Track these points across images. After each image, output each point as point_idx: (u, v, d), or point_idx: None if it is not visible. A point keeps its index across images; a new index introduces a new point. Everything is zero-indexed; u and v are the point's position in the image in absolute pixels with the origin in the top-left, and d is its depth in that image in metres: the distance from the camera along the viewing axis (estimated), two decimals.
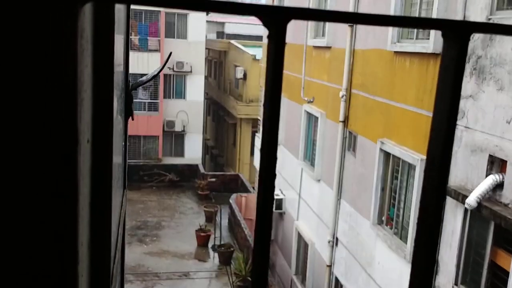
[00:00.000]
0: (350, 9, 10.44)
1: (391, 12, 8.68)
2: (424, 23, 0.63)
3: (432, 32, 7.60)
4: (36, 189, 0.52)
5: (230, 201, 20.19)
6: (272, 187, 0.59)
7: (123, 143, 1.68)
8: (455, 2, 7.13)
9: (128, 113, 1.70)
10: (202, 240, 18.48)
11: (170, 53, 3.15)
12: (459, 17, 7.02)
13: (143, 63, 25.51)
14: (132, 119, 1.81)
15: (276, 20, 0.56)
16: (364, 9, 10.13)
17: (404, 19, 0.60)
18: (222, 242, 18.05)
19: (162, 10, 26.16)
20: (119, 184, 1.49)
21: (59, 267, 0.57)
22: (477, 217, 6.55)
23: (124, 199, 1.64)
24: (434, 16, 7.55)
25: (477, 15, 6.70)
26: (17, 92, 0.48)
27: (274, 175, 0.60)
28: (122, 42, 1.78)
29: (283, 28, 0.57)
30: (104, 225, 0.86)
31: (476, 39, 6.72)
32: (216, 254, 17.63)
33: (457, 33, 0.60)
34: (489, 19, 6.49)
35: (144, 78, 2.46)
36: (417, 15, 8.33)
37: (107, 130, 0.82)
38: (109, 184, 0.86)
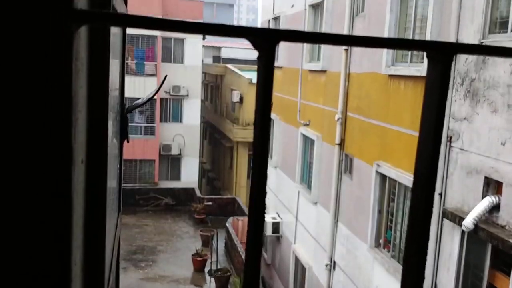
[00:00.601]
0: (345, 33, 10.58)
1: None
2: (409, 44, 0.65)
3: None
4: (30, 207, 0.53)
5: (227, 225, 20.06)
6: (263, 203, 0.60)
7: (118, 166, 1.69)
8: (447, 26, 7.25)
9: (123, 135, 1.71)
10: (199, 264, 18.29)
11: (165, 76, 3.18)
12: (452, 40, 7.13)
13: (140, 88, 25.63)
14: (127, 142, 1.82)
15: (265, 42, 0.58)
16: (358, 32, 10.27)
17: (390, 40, 0.62)
18: (218, 267, 17.87)
19: (159, 35, 26.42)
20: (114, 207, 1.49)
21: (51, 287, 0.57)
22: (474, 239, 6.53)
23: (119, 222, 1.64)
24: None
25: (470, 38, 6.80)
26: (12, 110, 0.49)
27: (265, 193, 0.61)
28: (118, 66, 1.81)
29: (272, 49, 0.58)
30: (98, 246, 0.86)
31: (470, 62, 6.81)
32: (213, 279, 17.42)
33: (441, 54, 0.62)
34: (482, 42, 6.59)
35: (139, 100, 2.48)
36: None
37: (102, 151, 0.83)
38: (104, 205, 0.86)
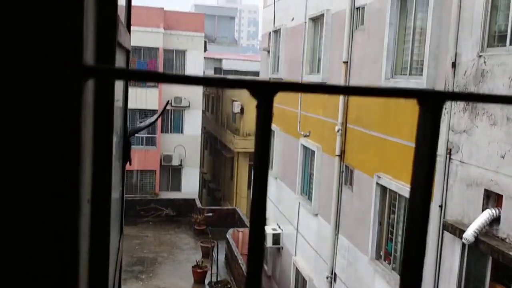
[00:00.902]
0: (344, 47, 10.65)
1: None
2: (400, 93, 0.68)
3: (425, 67, 7.76)
4: (37, 252, 0.56)
5: (227, 236, 20.01)
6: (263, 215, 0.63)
7: (120, 189, 1.72)
8: (446, 39, 7.31)
9: (125, 159, 1.74)
10: (199, 276, 18.22)
11: (168, 101, 3.22)
12: (451, 53, 7.18)
13: (141, 99, 25.73)
14: (130, 164, 1.85)
15: (264, 93, 0.61)
16: (358, 47, 10.35)
17: (380, 89, 0.65)
18: (219, 279, 17.81)
19: (161, 46, 26.56)
20: (115, 229, 1.52)
21: None
22: (475, 252, 6.53)
23: (121, 244, 1.66)
24: (426, 52, 7.72)
25: (468, 52, 6.85)
26: (25, 159, 0.52)
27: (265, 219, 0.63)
28: (122, 87, 1.84)
29: (270, 100, 0.61)
30: (101, 277, 0.88)
31: (469, 75, 6.86)
32: None
33: (431, 101, 0.65)
34: (480, 55, 6.64)
35: (142, 124, 2.52)
36: (409, 52, 8.51)
37: (107, 189, 0.86)
38: (107, 243, 0.89)
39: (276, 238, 14.85)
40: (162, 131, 27.38)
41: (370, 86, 0.66)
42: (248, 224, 22.15)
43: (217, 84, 0.61)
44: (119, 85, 1.66)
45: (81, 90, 0.57)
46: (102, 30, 0.78)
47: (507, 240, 5.99)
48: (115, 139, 1.60)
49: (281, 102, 15.16)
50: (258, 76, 25.66)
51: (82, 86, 0.58)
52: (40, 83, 0.51)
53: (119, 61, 1.46)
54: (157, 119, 2.65)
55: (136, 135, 27.05)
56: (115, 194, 1.48)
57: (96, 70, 0.58)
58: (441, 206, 7.20)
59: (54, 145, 0.52)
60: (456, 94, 0.68)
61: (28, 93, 0.51)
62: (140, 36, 25.27)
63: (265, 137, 0.64)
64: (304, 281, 12.99)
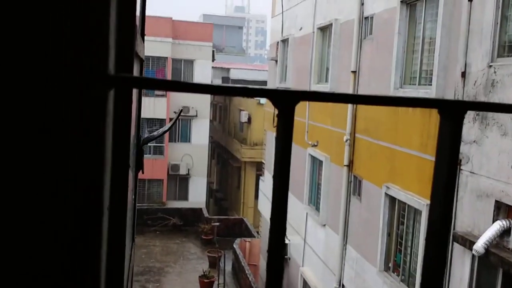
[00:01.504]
0: (353, 57, 10.66)
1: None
2: (421, 102, 0.68)
3: (434, 77, 7.74)
4: (62, 258, 0.56)
5: (234, 246, 19.95)
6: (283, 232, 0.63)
7: (133, 197, 1.72)
8: (456, 49, 7.29)
9: (138, 167, 1.75)
10: (206, 286, 18.15)
11: (181, 109, 3.25)
12: (460, 64, 7.16)
13: (150, 108, 25.85)
14: (143, 173, 1.85)
15: (286, 102, 0.61)
16: (366, 56, 10.35)
17: (401, 99, 0.65)
18: None
19: (169, 56, 26.72)
20: (129, 238, 1.52)
21: None
22: (485, 263, 6.46)
23: (133, 252, 1.66)
24: (436, 62, 7.70)
25: (478, 62, 6.83)
26: (52, 168, 0.53)
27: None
28: (136, 96, 1.85)
29: (292, 109, 0.62)
30: (117, 283, 0.88)
31: (479, 85, 6.83)
32: None
33: (452, 111, 0.65)
34: (490, 66, 6.62)
35: (155, 133, 2.53)
36: (418, 62, 8.49)
37: (123, 197, 0.86)
38: (123, 251, 0.89)
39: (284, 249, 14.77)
40: (169, 140, 27.46)
41: (391, 96, 0.66)
42: (255, 234, 22.08)
43: (238, 93, 0.62)
44: (133, 94, 1.68)
45: (106, 100, 0.57)
46: (122, 39, 0.79)
47: None
48: (130, 148, 1.61)
49: None
50: (266, 85, 25.71)
51: (107, 95, 0.58)
52: (68, 92, 0.51)
53: (135, 70, 1.47)
54: (170, 127, 2.66)
55: None
56: (129, 203, 1.49)
57: (120, 79, 0.58)
58: (451, 217, 7.13)
59: (81, 155, 0.52)
60: (478, 103, 0.68)
61: (56, 102, 0.52)
62: (148, 46, 25.39)
63: (286, 147, 0.64)
64: None
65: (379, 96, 0.65)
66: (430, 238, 0.68)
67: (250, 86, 0.61)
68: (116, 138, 0.80)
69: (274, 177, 0.64)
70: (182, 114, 27.28)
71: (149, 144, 27.23)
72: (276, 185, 0.63)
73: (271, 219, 0.62)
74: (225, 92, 0.60)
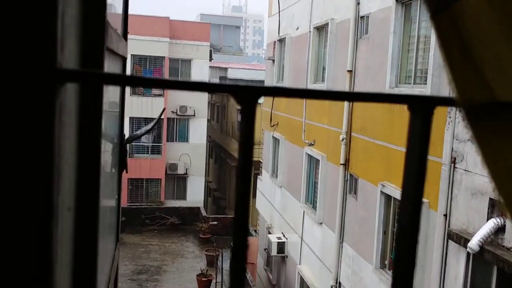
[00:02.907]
0: (349, 56, 10.65)
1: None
2: (391, 98, 0.66)
3: (429, 76, 7.73)
4: (8, 262, 0.54)
5: (231, 245, 19.91)
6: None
7: (117, 196, 1.70)
8: None
9: (122, 166, 1.73)
10: (203, 285, 18.15)
11: (164, 108, 3.23)
12: None
13: (147, 108, 25.83)
14: (126, 172, 1.84)
15: (247, 98, 0.60)
16: (362, 56, 10.34)
17: (369, 95, 0.63)
18: (223, 287, 17.72)
19: (167, 55, 26.69)
20: (110, 238, 1.50)
21: None
22: (480, 261, 6.46)
23: (117, 252, 1.64)
24: (431, 61, 7.69)
25: None
26: None
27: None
28: (118, 94, 1.83)
29: (253, 105, 0.60)
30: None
31: None
32: None
33: (421, 106, 0.63)
34: None
35: (138, 132, 2.51)
36: (414, 61, 8.49)
37: (93, 197, 0.84)
38: (94, 251, 0.87)
39: (281, 247, 14.78)
40: (167, 140, 27.43)
41: (359, 92, 0.65)
42: (252, 233, 22.09)
43: (199, 88, 0.60)
44: (115, 93, 1.65)
45: (54, 94, 0.55)
46: (88, 34, 0.77)
47: None
48: (111, 147, 1.59)
49: (286, 111, 15.16)
50: (263, 84, 25.63)
51: (56, 91, 0.56)
52: (9, 84, 0.49)
53: (113, 68, 1.45)
54: (153, 126, 2.64)
55: (142, 143, 27.13)
56: (109, 203, 1.47)
57: (73, 73, 0.56)
58: (445, 215, 7.14)
59: (25, 150, 0.50)
60: (447, 99, 0.66)
61: None
62: (146, 45, 25.41)
63: (248, 142, 0.62)
64: None
65: (348, 92, 0.63)
66: (400, 236, 0.66)
67: (211, 82, 0.59)
68: (84, 136, 0.78)
69: (236, 174, 0.63)
70: (179, 113, 27.26)
71: (146, 144, 27.20)
72: (238, 181, 0.61)
73: (234, 219, 0.60)
74: (183, 87, 0.58)
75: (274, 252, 14.81)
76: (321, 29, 12.74)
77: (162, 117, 26.60)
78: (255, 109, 0.61)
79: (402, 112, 8.68)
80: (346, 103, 10.76)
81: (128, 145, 1.91)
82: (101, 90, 0.82)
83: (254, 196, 23.67)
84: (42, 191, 0.54)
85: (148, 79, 0.58)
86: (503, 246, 6.05)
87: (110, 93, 1.53)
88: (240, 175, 0.63)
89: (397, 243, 0.67)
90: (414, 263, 0.68)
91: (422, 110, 0.63)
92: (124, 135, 1.81)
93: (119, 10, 1.74)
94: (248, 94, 0.59)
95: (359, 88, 10.41)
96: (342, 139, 10.83)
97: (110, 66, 1.20)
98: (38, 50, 0.50)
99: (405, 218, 0.69)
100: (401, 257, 0.67)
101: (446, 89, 7.39)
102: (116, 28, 1.39)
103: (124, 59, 1.65)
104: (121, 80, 0.56)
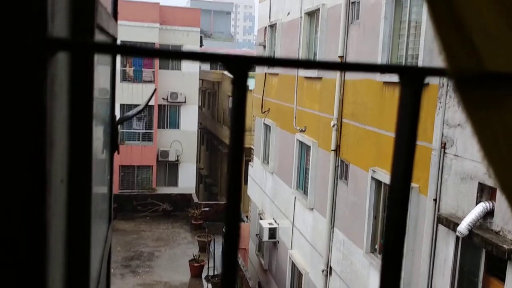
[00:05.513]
0: (340, 41, 10.63)
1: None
2: (382, 68, 0.66)
3: (420, 61, 7.75)
4: (1, 232, 0.54)
5: (224, 230, 20.01)
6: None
7: (109, 176, 1.70)
8: None
9: (113, 147, 1.72)
10: (196, 270, 18.26)
11: (155, 89, 3.22)
12: None
13: (138, 94, 25.68)
14: (118, 153, 1.84)
15: (239, 67, 0.60)
16: (353, 41, 10.33)
17: (362, 65, 0.63)
18: (216, 273, 17.84)
19: (157, 42, 26.48)
20: (103, 218, 1.50)
21: None
22: (469, 245, 6.55)
23: (110, 233, 1.65)
24: (421, 46, 7.70)
25: None
26: None
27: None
28: (108, 75, 1.82)
29: (245, 74, 0.60)
30: (81, 262, 0.87)
31: None
32: (210, 285, 17.40)
33: (412, 78, 0.64)
34: None
35: (130, 113, 2.50)
36: (404, 46, 8.49)
37: (85, 170, 0.84)
38: (88, 222, 0.87)
39: (272, 233, 14.87)
40: (158, 127, 27.34)
41: (351, 62, 0.65)
42: (244, 218, 22.18)
43: (190, 57, 0.60)
44: (105, 74, 1.64)
45: (45, 65, 0.55)
46: (78, 9, 0.77)
47: (500, 233, 6.00)
48: (102, 126, 1.59)
49: (277, 97, 15.15)
50: (254, 71, 25.56)
51: (47, 60, 0.56)
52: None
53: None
54: (144, 106, 2.63)
55: (133, 130, 27.02)
56: (102, 182, 1.47)
57: (64, 42, 0.56)
58: (435, 200, 7.21)
59: (16, 118, 0.50)
60: (438, 69, 0.67)
61: None
62: (135, 32, 25.18)
63: (240, 114, 0.63)
64: (300, 275, 13.03)
65: (338, 62, 0.64)
66: (391, 211, 0.67)
67: (202, 51, 0.59)
68: (75, 107, 0.78)
69: (229, 145, 0.63)
70: (170, 100, 27.13)
71: (137, 131, 27.10)
72: (231, 148, 0.61)
73: (227, 193, 0.61)
74: (175, 57, 0.58)
75: (265, 237, 14.90)
76: (312, 14, 12.69)
77: (153, 104, 26.49)
78: (247, 79, 0.62)
79: (392, 98, 8.71)
80: (337, 90, 10.77)
81: (119, 129, 1.91)
82: (92, 61, 0.82)
83: (246, 182, 23.71)
84: (35, 160, 0.54)
85: (138, 48, 0.58)
86: (492, 230, 6.13)
87: (102, 75, 1.53)
88: (233, 148, 0.63)
89: (386, 219, 0.68)
90: (403, 242, 0.69)
91: (413, 80, 0.63)
92: (116, 116, 1.81)
93: None
94: (240, 63, 0.59)
95: (350, 74, 10.41)
96: (333, 125, 10.86)
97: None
98: (29, 19, 0.49)
99: (394, 199, 0.70)
100: (390, 231, 0.68)
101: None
102: (106, 6, 1.38)
103: (114, 40, 1.63)
104: (111, 48, 0.56)
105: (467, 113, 0.63)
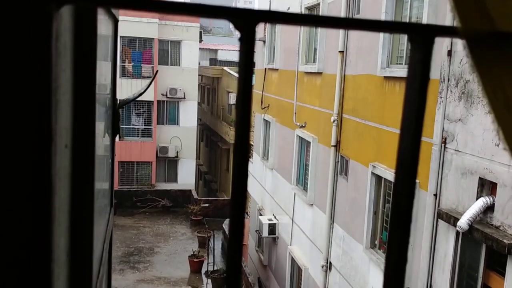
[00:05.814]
0: (340, 37, 10.61)
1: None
2: (390, 27, 0.65)
3: None
4: (7, 191, 0.53)
5: (224, 226, 20.06)
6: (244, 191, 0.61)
7: (110, 160, 1.69)
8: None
9: (115, 130, 1.71)
10: (195, 266, 18.27)
11: (157, 71, 3.20)
12: (446, 42, 7.15)
13: (137, 90, 25.61)
14: (120, 138, 1.82)
15: (247, 21, 0.58)
16: (354, 34, 10.31)
17: (370, 22, 0.62)
18: (215, 268, 17.85)
19: (156, 37, 26.43)
20: (105, 199, 1.49)
21: (32, 272, 0.57)
22: (469, 240, 6.55)
23: (111, 217, 1.63)
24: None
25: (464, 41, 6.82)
26: None
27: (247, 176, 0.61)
28: (110, 61, 1.81)
29: (253, 29, 0.59)
30: (85, 232, 0.86)
31: (464, 63, 6.84)
32: (210, 280, 17.41)
33: (422, 36, 0.63)
34: None
35: (130, 96, 2.49)
36: (405, 42, 8.47)
37: (88, 135, 0.83)
38: (91, 191, 0.86)
39: (272, 228, 14.87)
40: (158, 123, 27.32)
41: (361, 19, 0.63)
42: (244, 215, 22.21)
43: (197, 13, 0.59)
44: (106, 65, 1.63)
45: (51, 18, 0.53)
46: None
47: (501, 228, 6.00)
48: (103, 109, 1.57)
49: (277, 93, 15.12)
50: (254, 67, 25.50)
51: (52, 14, 0.55)
52: (3, 5, 0.48)
53: (107, 29, 1.43)
54: (146, 89, 2.62)
55: (132, 126, 26.97)
56: (104, 164, 1.46)
57: None
58: (436, 195, 7.21)
59: (22, 75, 0.49)
60: (449, 28, 0.66)
61: None
62: (135, 27, 25.12)
63: (247, 73, 0.61)
64: (299, 270, 13.03)
65: (349, 18, 0.62)
66: (399, 170, 0.66)
67: (209, 5, 0.58)
68: (79, 68, 0.77)
69: (236, 106, 0.62)
70: (169, 96, 27.09)
71: (137, 127, 27.07)
72: (239, 115, 0.60)
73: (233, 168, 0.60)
74: (178, 11, 0.57)
75: (265, 233, 14.90)
76: (312, 9, 12.66)
77: (153, 99, 26.45)
78: (255, 35, 0.60)
79: (393, 93, 8.69)
80: (337, 85, 10.75)
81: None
82: (95, 16, 0.80)
83: None
84: (39, 118, 0.53)
85: (143, 0, 0.56)
86: (492, 225, 6.13)
87: (103, 65, 1.51)
88: (241, 105, 0.61)
89: (394, 184, 0.66)
90: (408, 232, 0.67)
91: (423, 38, 0.62)
92: (117, 99, 1.80)
93: None
94: (247, 18, 0.58)
95: (350, 69, 10.40)
96: (333, 121, 10.84)
97: (105, 26, 1.18)
98: None
99: (403, 158, 0.68)
100: (396, 216, 0.67)
101: (437, 69, 7.39)
102: None
103: (116, 21, 1.62)
104: (116, 1, 0.55)
105: (478, 74, 0.62)
